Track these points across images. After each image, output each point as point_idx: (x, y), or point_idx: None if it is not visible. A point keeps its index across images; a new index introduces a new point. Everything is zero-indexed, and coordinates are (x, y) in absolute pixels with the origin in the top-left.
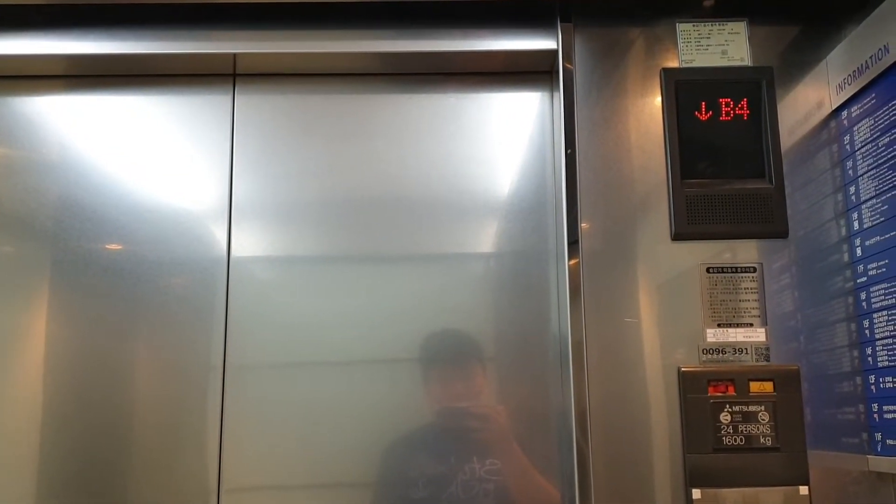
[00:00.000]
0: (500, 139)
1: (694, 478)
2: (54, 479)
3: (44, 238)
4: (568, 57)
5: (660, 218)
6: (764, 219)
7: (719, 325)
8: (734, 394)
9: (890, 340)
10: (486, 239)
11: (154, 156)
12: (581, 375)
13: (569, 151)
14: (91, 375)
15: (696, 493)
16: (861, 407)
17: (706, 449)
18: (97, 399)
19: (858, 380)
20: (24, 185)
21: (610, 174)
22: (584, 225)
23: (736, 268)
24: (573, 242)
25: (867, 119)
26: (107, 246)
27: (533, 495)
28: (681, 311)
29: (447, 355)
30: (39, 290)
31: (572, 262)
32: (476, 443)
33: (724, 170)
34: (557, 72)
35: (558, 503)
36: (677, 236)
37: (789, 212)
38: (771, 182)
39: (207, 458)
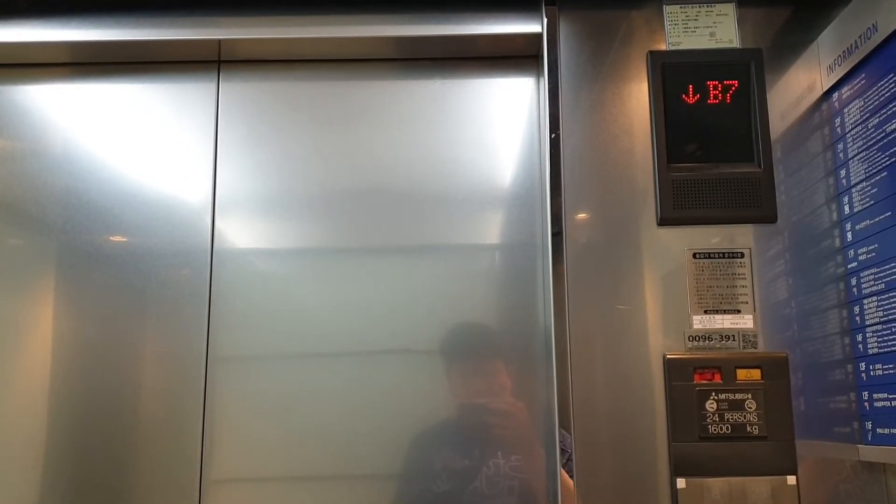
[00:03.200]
0: (488, 126)
1: (679, 467)
2: (48, 465)
3: (31, 226)
4: (553, 40)
5: (646, 203)
6: (752, 203)
7: (706, 312)
8: (720, 381)
9: (880, 327)
10: (473, 228)
11: (138, 144)
12: (564, 366)
13: (553, 136)
14: (75, 364)
15: (681, 483)
16: (852, 395)
17: (692, 437)
18: (82, 388)
19: (850, 367)
20: (9, 171)
21: (596, 159)
22: (569, 212)
23: (723, 253)
24: (556, 233)
25: (857, 100)
26: (92, 234)
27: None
28: (667, 298)
29: (436, 347)
30: (26, 278)
31: (556, 252)
32: (465, 434)
33: (711, 154)
34: (543, 56)
35: (543, 494)
36: (663, 221)
37: (783, 197)
38: (760, 166)
39: (190, 448)
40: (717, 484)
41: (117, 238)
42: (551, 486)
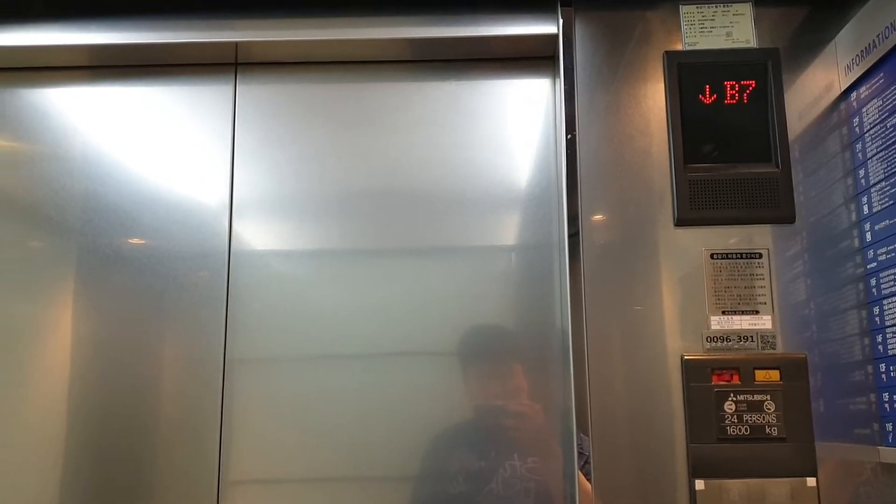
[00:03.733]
0: (503, 127)
1: (697, 468)
2: (67, 466)
3: (50, 228)
4: (568, 41)
5: (663, 204)
6: (770, 203)
7: (724, 313)
8: (739, 382)
9: None
10: (489, 230)
11: (156, 146)
12: (581, 368)
13: (569, 136)
14: (94, 366)
15: (700, 484)
16: (872, 397)
17: (710, 439)
18: (101, 389)
19: (870, 368)
20: (29, 174)
21: (613, 160)
22: (586, 213)
23: (741, 254)
24: (573, 235)
25: (876, 99)
26: (111, 236)
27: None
28: (684, 299)
29: (452, 349)
30: (46, 280)
31: (572, 253)
32: (481, 436)
33: (729, 154)
34: (558, 57)
35: (559, 496)
36: (680, 222)
37: (801, 198)
38: (777, 166)
39: (209, 449)
40: (735, 486)
41: (136, 240)
42: (569, 488)
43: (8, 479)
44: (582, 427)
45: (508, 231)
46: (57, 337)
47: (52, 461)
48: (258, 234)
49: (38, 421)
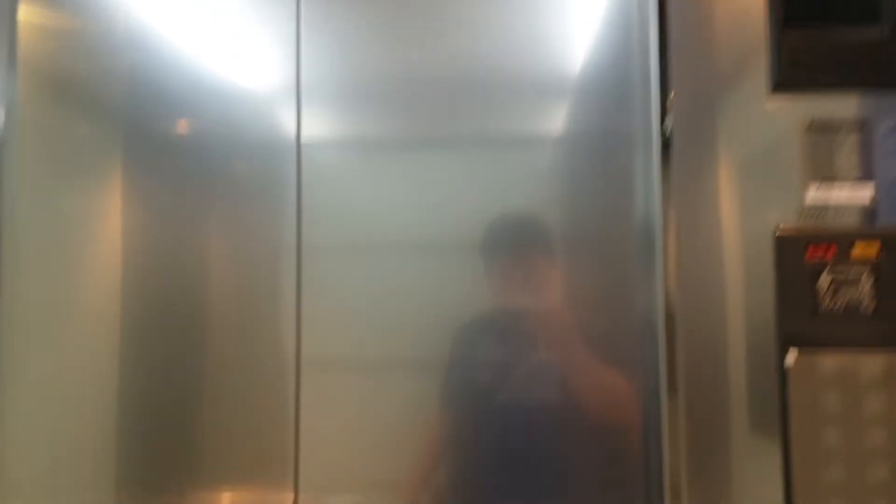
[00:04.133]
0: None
1: (788, 343)
2: (133, 350)
3: (111, 113)
4: None
5: (758, 70)
6: (876, 68)
7: (821, 185)
8: (835, 256)
9: None
10: (564, 116)
11: (218, 26)
12: (671, 257)
13: None
14: (166, 253)
15: (791, 358)
16: None
17: (803, 314)
18: (173, 276)
19: None
20: (69, 50)
21: (701, 23)
22: (675, 83)
23: (841, 122)
24: (664, 108)
25: None
26: (174, 123)
27: (602, 390)
28: (777, 172)
29: (517, 242)
30: (106, 169)
31: (662, 135)
32: (536, 334)
33: (833, 14)
34: None
35: (637, 394)
36: (777, 88)
37: None
38: (886, 27)
39: (285, 332)
40: (828, 360)
41: (202, 128)
42: (652, 382)
43: (66, 376)
44: (670, 312)
45: (587, 116)
46: (131, 228)
47: (111, 355)
48: (328, 119)
49: (96, 311)
